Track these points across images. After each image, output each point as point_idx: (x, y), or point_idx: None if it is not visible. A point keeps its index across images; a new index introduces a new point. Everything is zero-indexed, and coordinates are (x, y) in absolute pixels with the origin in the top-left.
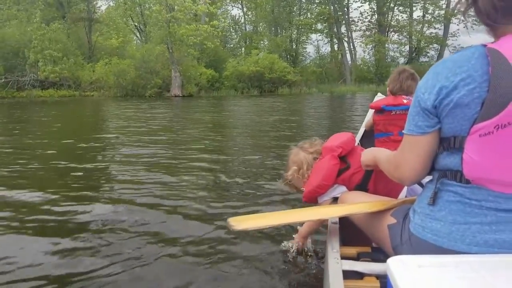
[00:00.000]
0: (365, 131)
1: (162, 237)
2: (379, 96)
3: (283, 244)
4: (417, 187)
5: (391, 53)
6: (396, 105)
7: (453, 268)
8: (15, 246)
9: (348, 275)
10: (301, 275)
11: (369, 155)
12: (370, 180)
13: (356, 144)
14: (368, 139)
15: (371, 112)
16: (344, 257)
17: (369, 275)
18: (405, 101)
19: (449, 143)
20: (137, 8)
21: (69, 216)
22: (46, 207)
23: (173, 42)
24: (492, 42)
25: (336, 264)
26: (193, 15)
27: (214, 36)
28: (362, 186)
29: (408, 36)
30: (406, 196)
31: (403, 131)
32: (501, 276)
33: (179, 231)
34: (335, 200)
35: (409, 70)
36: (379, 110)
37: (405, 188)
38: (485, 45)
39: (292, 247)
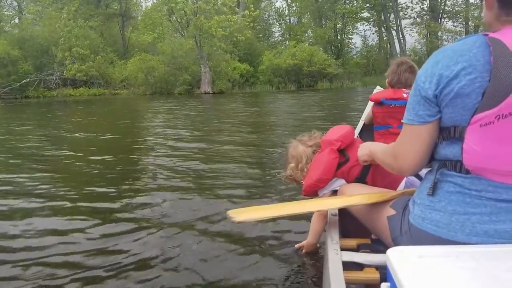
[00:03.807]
0: (364, 124)
1: (189, 225)
2: (378, 89)
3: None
4: (415, 179)
5: (445, 42)
6: (396, 99)
7: (454, 258)
8: (62, 229)
9: (348, 266)
10: (300, 267)
11: (365, 149)
12: (369, 173)
13: (355, 136)
14: (368, 132)
15: (370, 104)
16: (343, 249)
17: (369, 266)
18: (405, 95)
19: (449, 133)
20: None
21: (108, 203)
22: (92, 198)
23: (201, 36)
24: (493, 32)
25: (335, 255)
26: (221, 5)
27: (246, 28)
28: (361, 179)
29: (464, 23)
30: (404, 188)
31: (402, 120)
32: (502, 265)
33: (206, 220)
34: (334, 193)
35: (408, 62)
36: (378, 103)
37: (404, 181)
38: (486, 34)
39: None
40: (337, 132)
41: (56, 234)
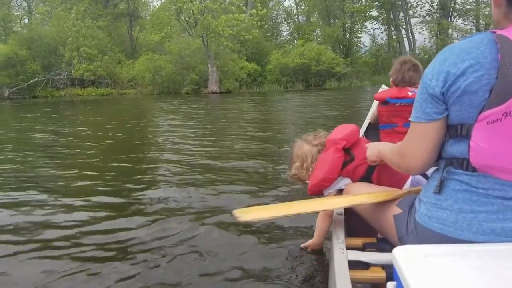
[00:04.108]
0: (369, 122)
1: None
2: (383, 88)
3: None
4: (421, 178)
5: (455, 41)
6: (401, 97)
7: (460, 257)
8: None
9: (354, 265)
10: (306, 266)
11: (374, 150)
12: (374, 172)
13: (360, 135)
14: (373, 131)
15: (376, 103)
16: (349, 248)
17: (375, 265)
18: (410, 93)
19: (456, 131)
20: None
21: (117, 199)
22: (100, 193)
23: (208, 35)
24: (501, 29)
25: (341, 254)
26: (229, 4)
27: (253, 27)
28: (366, 178)
29: (474, 21)
30: (410, 187)
31: (409, 119)
32: (508, 264)
33: (209, 216)
34: (340, 192)
35: (411, 61)
36: (383, 102)
37: (409, 180)
38: (494, 32)
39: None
40: (342, 131)
41: (66, 228)
